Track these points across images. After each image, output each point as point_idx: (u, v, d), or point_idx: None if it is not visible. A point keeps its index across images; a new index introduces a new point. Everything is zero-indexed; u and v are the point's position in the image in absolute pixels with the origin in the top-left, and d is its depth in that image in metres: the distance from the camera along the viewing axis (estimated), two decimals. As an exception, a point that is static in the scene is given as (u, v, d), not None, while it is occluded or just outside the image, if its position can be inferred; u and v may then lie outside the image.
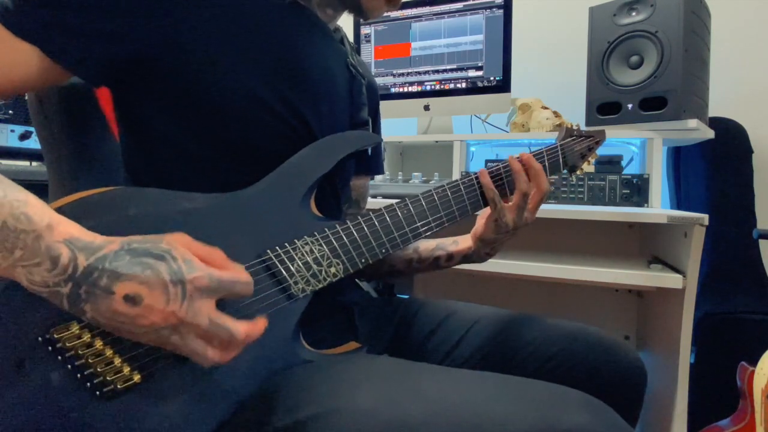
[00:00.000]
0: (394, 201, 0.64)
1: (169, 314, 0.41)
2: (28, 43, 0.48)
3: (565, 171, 0.79)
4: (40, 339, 0.44)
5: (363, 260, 0.60)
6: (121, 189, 0.51)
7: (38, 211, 0.42)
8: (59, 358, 0.44)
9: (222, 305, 0.45)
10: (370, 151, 0.76)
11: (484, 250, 0.75)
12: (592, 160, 0.85)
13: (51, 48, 0.49)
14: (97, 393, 0.45)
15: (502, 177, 0.69)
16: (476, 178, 0.69)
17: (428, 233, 0.65)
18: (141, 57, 0.53)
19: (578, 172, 0.82)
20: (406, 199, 0.64)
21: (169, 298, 0.41)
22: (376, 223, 0.61)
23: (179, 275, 0.41)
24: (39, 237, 0.40)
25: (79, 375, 0.45)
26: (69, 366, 0.45)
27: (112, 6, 0.51)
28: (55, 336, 0.44)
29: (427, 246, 0.79)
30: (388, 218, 0.62)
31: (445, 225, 0.67)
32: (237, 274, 0.45)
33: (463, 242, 0.77)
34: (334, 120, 0.68)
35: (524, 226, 0.70)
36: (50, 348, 0.44)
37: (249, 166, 0.59)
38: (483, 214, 0.74)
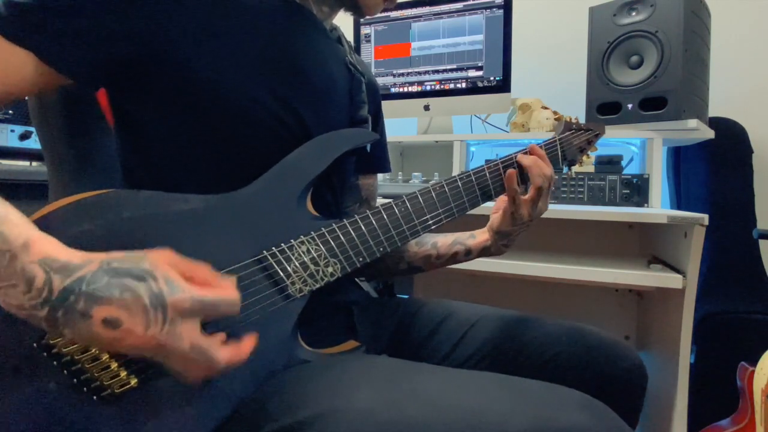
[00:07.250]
0: (391, 200, 0.64)
1: (149, 339, 0.40)
2: (23, 48, 0.48)
3: (565, 166, 0.78)
4: (35, 345, 0.44)
5: (360, 260, 0.59)
6: (115, 192, 0.50)
7: (15, 228, 0.40)
8: (55, 363, 0.44)
9: None
10: (369, 148, 0.75)
11: (501, 242, 0.75)
12: (592, 154, 0.84)
13: (46, 53, 0.49)
14: (94, 397, 0.45)
15: (500, 172, 0.70)
16: (475, 176, 0.69)
17: (425, 231, 0.65)
18: (136, 58, 0.53)
19: (578, 166, 0.81)
20: (404, 196, 0.64)
21: (149, 323, 0.39)
22: (374, 221, 0.61)
23: (160, 298, 0.40)
24: (14, 257, 0.39)
25: (75, 380, 0.44)
26: (65, 371, 0.44)
27: (106, 9, 0.50)
28: (51, 341, 0.44)
29: (445, 242, 0.79)
30: (385, 217, 0.62)
31: (443, 222, 0.66)
32: (222, 293, 0.43)
33: (480, 236, 0.77)
34: (333, 120, 0.68)
35: (539, 216, 0.71)
36: (46, 354, 0.44)
37: (245, 166, 0.59)
38: (497, 208, 0.74)
